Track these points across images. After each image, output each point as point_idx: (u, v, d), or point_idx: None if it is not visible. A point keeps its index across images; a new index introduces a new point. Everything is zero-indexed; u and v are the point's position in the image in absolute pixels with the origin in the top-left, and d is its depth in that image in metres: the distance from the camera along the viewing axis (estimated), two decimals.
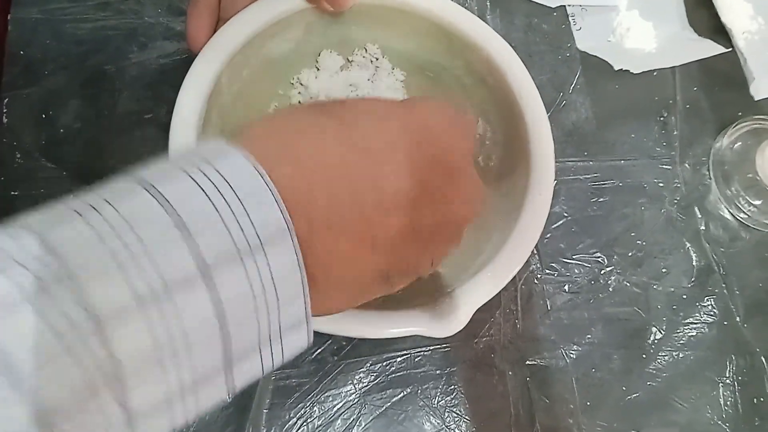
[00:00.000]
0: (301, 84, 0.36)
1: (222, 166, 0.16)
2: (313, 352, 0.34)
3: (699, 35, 0.45)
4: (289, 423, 0.33)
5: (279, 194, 0.17)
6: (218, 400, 0.17)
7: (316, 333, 0.35)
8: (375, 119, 0.21)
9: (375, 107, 0.22)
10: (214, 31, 0.32)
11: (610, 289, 0.38)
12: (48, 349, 0.13)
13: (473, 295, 0.26)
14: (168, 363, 0.15)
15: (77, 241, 0.14)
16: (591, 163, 0.41)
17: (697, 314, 0.38)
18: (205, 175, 0.16)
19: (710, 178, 0.42)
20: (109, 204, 0.15)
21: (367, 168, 0.19)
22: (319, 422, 0.33)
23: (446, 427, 0.34)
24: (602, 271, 0.38)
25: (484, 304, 0.27)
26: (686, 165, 0.42)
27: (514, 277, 0.28)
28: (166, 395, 0.15)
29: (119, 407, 0.14)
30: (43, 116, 0.37)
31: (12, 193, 0.35)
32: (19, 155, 0.36)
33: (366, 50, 0.36)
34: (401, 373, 0.35)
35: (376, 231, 0.19)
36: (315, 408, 0.33)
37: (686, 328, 0.38)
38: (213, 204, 0.16)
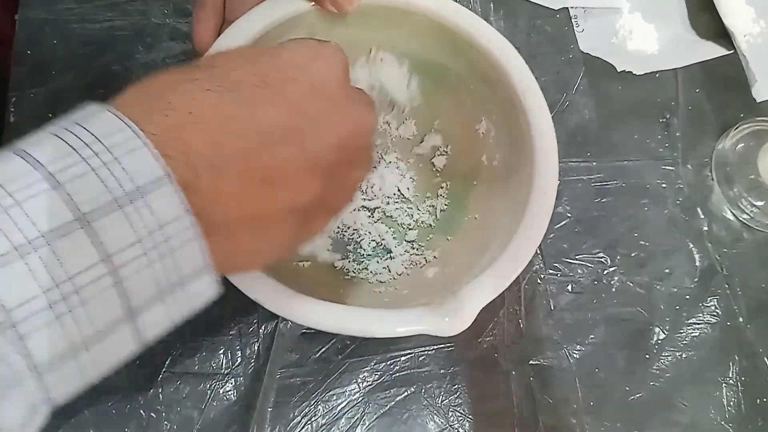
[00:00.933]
0: None
1: (89, 123, 0.17)
2: (318, 351, 0.35)
3: (701, 37, 0.46)
4: (294, 421, 0.33)
5: (152, 144, 0.17)
6: (129, 352, 0.17)
7: (320, 332, 0.35)
8: (245, 64, 0.21)
9: (245, 53, 0.23)
10: (220, 33, 0.32)
11: (613, 290, 0.38)
12: None
13: (478, 293, 0.26)
14: (62, 310, 0.15)
15: None
16: (594, 163, 0.41)
17: (700, 315, 0.38)
18: (72, 133, 0.16)
19: (713, 180, 0.42)
20: None
21: (241, 108, 0.20)
22: (324, 421, 0.33)
23: (450, 426, 0.34)
24: (605, 272, 0.38)
25: (488, 304, 0.27)
26: (689, 166, 0.42)
27: (518, 277, 0.28)
28: (67, 345, 0.15)
29: (18, 356, 0.14)
30: (50, 116, 0.37)
31: None
32: None
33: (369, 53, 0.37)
34: (405, 372, 0.35)
35: (268, 167, 0.20)
36: (319, 407, 0.33)
37: (689, 328, 0.38)
38: (81, 157, 0.16)
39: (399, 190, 0.37)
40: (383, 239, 0.36)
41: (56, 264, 0.15)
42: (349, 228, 0.36)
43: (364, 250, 0.36)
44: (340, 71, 0.24)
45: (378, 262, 0.35)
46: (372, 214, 0.37)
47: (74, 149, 0.16)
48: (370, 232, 0.36)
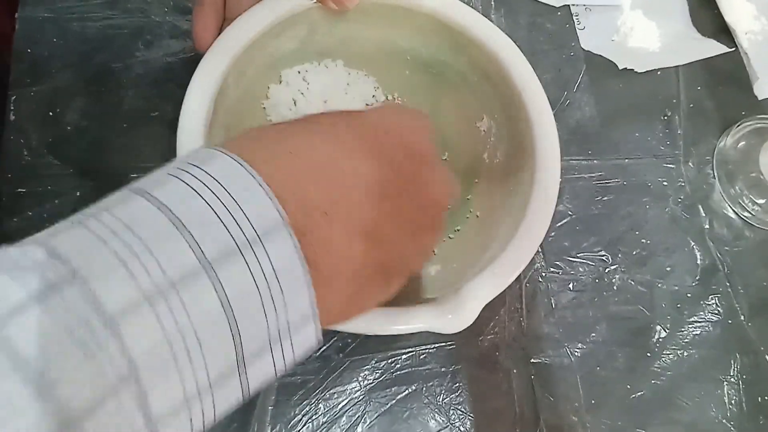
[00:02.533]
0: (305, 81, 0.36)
1: (210, 166, 0.17)
2: (319, 350, 0.34)
3: (703, 35, 0.46)
4: (294, 420, 0.33)
5: (269, 188, 0.17)
6: (235, 402, 0.17)
7: (322, 330, 0.35)
8: (346, 119, 0.22)
9: (338, 113, 0.23)
10: (220, 31, 0.32)
11: (615, 288, 0.38)
12: (60, 346, 0.13)
13: (481, 291, 0.26)
14: (182, 361, 0.15)
15: (80, 245, 0.15)
16: (595, 161, 0.41)
17: (701, 313, 0.38)
18: (194, 176, 0.16)
19: (714, 177, 0.42)
20: (106, 212, 0.16)
21: (350, 161, 0.20)
22: (324, 419, 0.33)
23: (451, 424, 0.34)
24: (606, 270, 0.38)
25: (489, 302, 0.27)
26: (690, 164, 0.42)
27: (519, 275, 0.28)
28: (183, 396, 0.15)
29: (138, 408, 0.14)
30: (50, 114, 0.37)
31: (19, 190, 0.35)
32: (26, 152, 0.36)
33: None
34: (406, 370, 0.35)
35: (368, 218, 0.20)
36: (320, 405, 0.33)
37: (691, 326, 0.38)
38: (205, 201, 0.16)
39: None
40: None
41: (182, 313, 0.15)
42: None
43: None
44: (429, 138, 0.25)
45: None
46: None
47: (197, 192, 0.16)
48: None
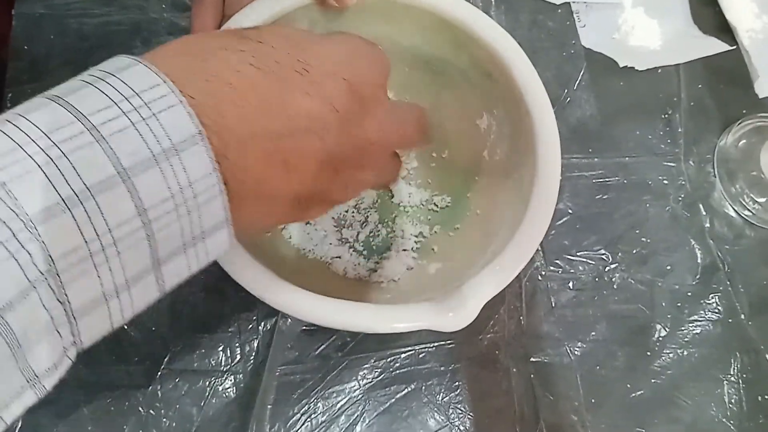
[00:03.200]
0: None
1: (125, 76, 0.17)
2: (317, 348, 0.34)
3: (704, 33, 0.45)
4: (293, 419, 0.33)
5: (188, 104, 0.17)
6: (151, 298, 0.18)
7: (320, 328, 0.35)
8: (290, 46, 0.22)
9: (292, 34, 0.22)
10: (219, 28, 0.32)
11: (615, 287, 0.38)
12: None
13: (482, 288, 0.26)
14: (98, 260, 0.16)
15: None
16: (595, 160, 0.41)
17: (701, 312, 0.38)
18: (108, 83, 0.17)
19: (715, 176, 0.42)
20: (22, 116, 0.16)
21: (278, 90, 0.20)
22: (323, 418, 0.33)
23: (450, 423, 0.34)
24: (607, 269, 0.38)
25: (489, 301, 0.27)
26: (691, 162, 0.42)
27: (519, 274, 0.28)
28: (100, 292, 0.16)
29: (57, 301, 0.15)
30: None
31: None
32: None
33: None
34: (405, 369, 0.35)
35: (288, 151, 0.20)
36: (319, 404, 0.33)
37: (691, 325, 0.38)
38: (121, 110, 0.16)
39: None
40: (385, 235, 0.36)
41: (99, 217, 0.15)
42: (350, 226, 0.36)
43: (365, 246, 0.36)
44: (381, 76, 0.24)
45: (380, 258, 0.35)
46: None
47: (114, 102, 0.16)
48: (371, 229, 0.36)
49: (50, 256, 0.15)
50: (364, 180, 0.25)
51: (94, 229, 0.15)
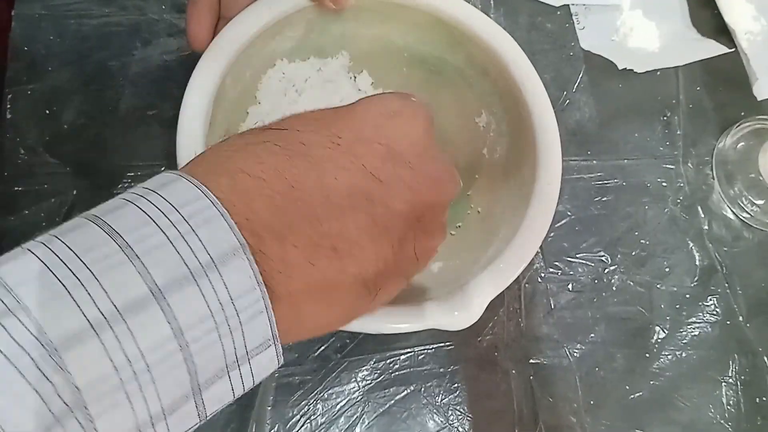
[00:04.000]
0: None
1: (165, 190, 0.16)
2: (317, 350, 0.34)
3: (702, 35, 0.46)
4: (293, 420, 0.33)
5: (227, 212, 0.16)
6: (191, 425, 0.17)
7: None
8: (319, 125, 0.20)
9: (320, 115, 0.21)
10: (215, 29, 0.32)
11: (614, 288, 0.38)
12: (2, 377, 0.13)
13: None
14: (131, 389, 0.14)
15: (25, 274, 0.14)
16: (594, 162, 0.41)
17: (700, 314, 0.38)
18: (148, 200, 0.16)
19: (713, 178, 0.42)
20: (57, 238, 0.15)
21: (309, 170, 0.19)
22: (323, 420, 0.33)
23: (449, 425, 0.34)
24: (605, 270, 0.38)
25: (488, 303, 0.27)
26: (689, 165, 0.42)
27: (518, 275, 0.28)
28: (135, 424, 0.15)
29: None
30: (47, 112, 0.37)
31: (15, 188, 0.35)
32: (22, 151, 0.36)
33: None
34: (405, 371, 0.35)
35: (332, 232, 0.19)
36: (318, 405, 0.33)
37: (689, 327, 0.38)
38: (158, 225, 0.15)
39: None
40: None
41: (130, 341, 0.14)
42: None
43: None
44: (422, 131, 0.22)
45: None
46: None
47: (151, 218, 0.16)
48: None
49: (76, 387, 0.13)
50: (434, 245, 0.23)
51: (125, 355, 0.14)
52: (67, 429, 0.13)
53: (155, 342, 0.15)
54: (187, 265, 0.15)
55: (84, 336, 0.14)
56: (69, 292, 0.14)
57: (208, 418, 0.17)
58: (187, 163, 0.19)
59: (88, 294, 0.14)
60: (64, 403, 0.13)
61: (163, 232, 0.15)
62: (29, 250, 0.15)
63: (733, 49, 0.45)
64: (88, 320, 0.14)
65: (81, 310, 0.14)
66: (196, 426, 0.17)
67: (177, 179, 0.17)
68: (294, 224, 0.18)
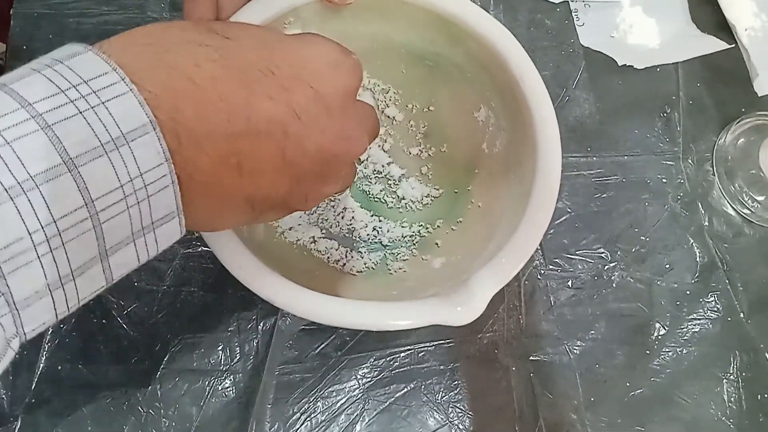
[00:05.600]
0: None
1: (74, 64, 0.17)
2: (317, 348, 0.34)
3: (702, 31, 0.45)
4: (293, 418, 0.33)
5: (145, 98, 0.17)
6: (99, 288, 0.18)
7: (320, 327, 0.35)
8: (259, 44, 0.21)
9: (263, 35, 0.22)
10: None
11: (614, 285, 0.38)
12: None
13: (488, 281, 0.26)
14: (44, 251, 0.15)
15: None
16: (594, 158, 0.41)
17: (700, 310, 0.38)
18: (57, 72, 0.16)
19: (713, 174, 0.42)
20: None
21: (240, 90, 0.19)
22: (323, 417, 0.33)
23: (450, 422, 0.34)
24: (606, 267, 0.38)
25: (491, 297, 0.27)
26: (689, 161, 0.42)
27: (518, 272, 0.28)
28: (45, 284, 0.16)
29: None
30: None
31: None
32: None
33: None
34: (405, 368, 0.35)
35: (243, 154, 0.19)
36: (319, 403, 0.33)
37: (690, 324, 0.38)
38: (69, 99, 0.16)
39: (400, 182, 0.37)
40: (386, 231, 0.36)
41: (44, 207, 0.15)
42: (352, 223, 0.36)
43: (368, 243, 0.36)
44: (352, 88, 0.23)
45: (383, 254, 0.35)
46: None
47: (62, 90, 0.16)
48: (373, 226, 0.36)
49: None
50: (326, 192, 0.24)
51: (38, 220, 0.15)
52: None
53: (67, 210, 0.16)
54: (98, 137, 0.16)
55: (0, 200, 0.15)
56: None
57: (114, 281, 0.18)
58: (108, 41, 0.18)
59: (3, 161, 0.15)
60: None
61: (73, 104, 0.16)
62: None
63: (733, 45, 0.45)
64: (3, 186, 0.15)
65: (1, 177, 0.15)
66: (103, 288, 0.18)
67: (83, 51, 0.17)
68: (212, 134, 0.19)
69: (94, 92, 0.16)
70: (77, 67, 0.16)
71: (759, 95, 0.43)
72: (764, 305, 0.38)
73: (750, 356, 0.37)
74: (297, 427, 0.33)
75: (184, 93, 0.18)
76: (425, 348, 0.35)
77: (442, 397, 0.34)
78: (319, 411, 0.33)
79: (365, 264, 0.35)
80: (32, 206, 0.15)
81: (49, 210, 0.15)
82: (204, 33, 0.20)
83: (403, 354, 0.35)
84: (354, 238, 0.36)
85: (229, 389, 0.33)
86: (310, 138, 0.21)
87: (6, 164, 0.15)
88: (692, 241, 0.40)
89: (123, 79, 0.17)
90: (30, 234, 0.15)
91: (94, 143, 0.16)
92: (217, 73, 0.19)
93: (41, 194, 0.15)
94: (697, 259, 0.39)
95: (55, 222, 0.15)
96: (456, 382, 0.34)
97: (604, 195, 0.40)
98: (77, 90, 0.16)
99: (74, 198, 0.16)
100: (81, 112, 0.16)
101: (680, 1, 0.46)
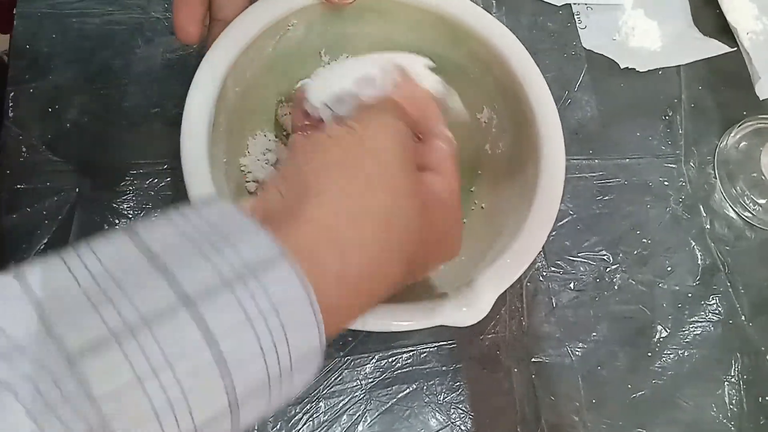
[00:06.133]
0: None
1: (271, 282, 0.16)
2: None
3: (704, 34, 0.46)
4: (295, 418, 0.33)
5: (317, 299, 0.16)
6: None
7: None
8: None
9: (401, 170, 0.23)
10: (209, 30, 0.32)
11: (616, 287, 0.38)
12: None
13: (493, 282, 0.26)
14: (158, 405, 0.14)
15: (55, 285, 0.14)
16: (596, 161, 0.41)
17: (702, 313, 0.38)
18: (252, 299, 0.15)
19: (715, 177, 0.42)
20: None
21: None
22: (325, 417, 0.33)
23: (452, 423, 0.34)
24: (607, 269, 0.38)
25: (496, 298, 0.27)
26: (691, 164, 0.42)
27: (520, 274, 0.28)
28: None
29: None
30: (50, 110, 0.37)
31: (17, 186, 0.35)
32: (25, 149, 0.36)
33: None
34: (407, 369, 0.35)
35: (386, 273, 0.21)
36: (321, 403, 0.33)
37: (691, 326, 0.38)
38: (256, 333, 0.15)
39: None
40: None
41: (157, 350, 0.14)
42: None
43: None
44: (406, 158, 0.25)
45: None
46: None
47: (250, 321, 0.15)
48: None
49: (95, 397, 0.13)
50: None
51: (149, 364, 0.14)
52: None
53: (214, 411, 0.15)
54: (269, 373, 0.15)
55: (106, 344, 0.14)
56: (156, 413, 0.14)
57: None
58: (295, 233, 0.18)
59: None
60: (88, 421, 0.13)
61: (259, 342, 0.15)
62: (113, 339, 0.14)
63: (735, 49, 0.45)
64: (110, 330, 0.14)
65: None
66: None
67: (284, 265, 0.16)
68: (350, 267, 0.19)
69: (282, 326, 0.15)
70: (273, 290, 0.15)
71: (760, 98, 0.43)
72: (765, 308, 0.39)
73: (751, 359, 0.37)
74: (299, 427, 0.33)
75: (323, 239, 0.19)
76: (427, 349, 0.35)
77: (444, 398, 0.34)
78: (321, 411, 0.33)
79: None
80: (142, 347, 0.14)
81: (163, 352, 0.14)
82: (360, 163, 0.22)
83: (405, 355, 0.35)
84: None
85: None
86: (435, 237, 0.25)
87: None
88: (694, 243, 0.40)
89: (314, 313, 0.16)
90: (140, 380, 0.14)
91: (263, 380, 0.15)
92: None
93: (152, 335, 0.14)
94: (699, 262, 0.39)
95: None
96: (458, 384, 0.34)
97: (606, 197, 0.40)
98: (266, 323, 0.15)
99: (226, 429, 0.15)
100: (262, 349, 0.15)
101: (682, 4, 0.47)
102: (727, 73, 0.44)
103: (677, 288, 0.38)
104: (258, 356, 0.15)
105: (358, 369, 0.34)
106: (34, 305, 0.13)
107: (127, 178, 0.36)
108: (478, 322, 0.26)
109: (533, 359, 0.36)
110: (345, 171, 0.21)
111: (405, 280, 0.23)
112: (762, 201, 0.40)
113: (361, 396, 0.34)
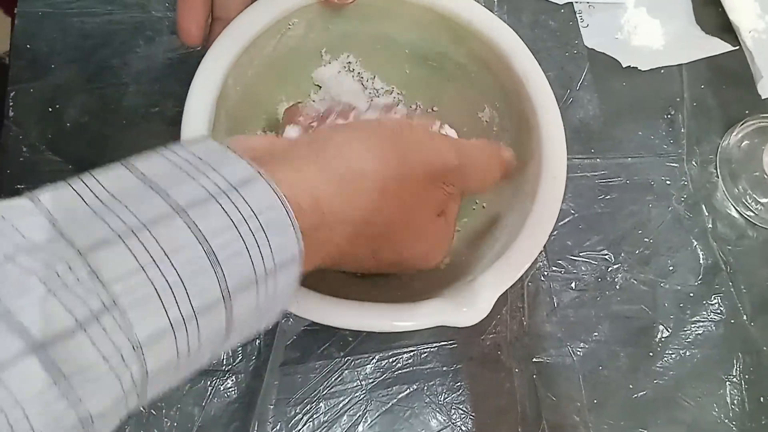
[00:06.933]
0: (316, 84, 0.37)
1: (248, 193, 0.18)
2: (320, 348, 0.34)
3: (706, 33, 0.45)
4: (295, 419, 0.33)
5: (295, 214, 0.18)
6: (218, 328, 0.18)
7: (322, 328, 0.35)
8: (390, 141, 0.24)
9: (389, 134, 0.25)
10: (210, 29, 0.32)
11: (617, 287, 0.38)
12: (38, 288, 0.14)
13: (494, 282, 0.26)
14: (161, 288, 0.16)
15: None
16: (598, 160, 0.41)
17: (704, 312, 0.38)
18: (232, 202, 0.17)
19: (717, 176, 0.42)
20: (147, 230, 0.16)
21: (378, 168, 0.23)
22: (325, 418, 0.33)
23: (452, 423, 0.34)
24: (609, 269, 0.38)
25: (497, 298, 0.27)
26: (693, 163, 0.42)
27: (521, 274, 0.28)
28: (168, 322, 0.16)
29: (121, 331, 0.15)
30: (50, 110, 0.37)
31: (17, 186, 0.35)
32: (25, 149, 0.36)
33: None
34: (407, 369, 0.34)
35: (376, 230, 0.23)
36: (321, 404, 0.33)
37: (693, 326, 0.37)
38: (239, 233, 0.17)
39: None
40: None
41: (195, 335, 0.16)
42: None
43: None
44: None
45: None
46: None
47: (234, 224, 0.17)
48: None
49: (107, 283, 0.15)
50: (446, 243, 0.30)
51: (187, 344, 0.16)
52: (104, 324, 0.15)
53: (213, 338, 0.17)
54: (255, 272, 0.17)
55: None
56: (158, 293, 0.15)
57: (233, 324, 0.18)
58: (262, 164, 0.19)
59: (173, 295, 0.16)
60: (100, 301, 0.15)
61: (243, 240, 0.17)
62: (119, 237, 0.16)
63: (737, 47, 0.45)
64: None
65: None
66: (223, 330, 0.18)
67: (257, 178, 0.18)
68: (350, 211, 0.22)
69: (263, 227, 0.17)
70: (251, 198, 0.18)
71: (763, 97, 0.43)
72: (767, 307, 0.38)
73: (753, 358, 0.37)
74: (299, 427, 0.33)
75: (329, 183, 0.21)
76: (428, 349, 0.35)
77: (444, 399, 0.34)
78: (321, 412, 0.33)
79: None
80: (187, 336, 0.16)
81: (200, 341, 0.17)
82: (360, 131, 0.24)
83: (405, 355, 0.35)
84: None
85: (231, 389, 0.33)
86: (431, 205, 0.27)
87: (175, 299, 0.16)
88: (696, 243, 0.39)
89: (288, 215, 0.18)
90: (143, 269, 0.16)
91: (250, 278, 0.17)
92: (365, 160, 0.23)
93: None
94: (701, 261, 0.39)
95: (200, 345, 0.17)
96: (459, 384, 0.34)
97: (608, 197, 0.40)
98: (248, 224, 0.17)
99: (220, 326, 0.17)
100: (248, 249, 0.17)
101: (684, 2, 0.46)
102: (730, 72, 0.44)
103: (679, 287, 0.38)
104: (244, 252, 0.17)
105: (359, 369, 0.34)
106: (47, 217, 0.15)
107: None
108: (479, 322, 0.26)
109: (534, 359, 0.36)
110: (366, 154, 0.23)
111: (374, 267, 0.26)
112: (764, 200, 0.40)
113: (362, 396, 0.34)
